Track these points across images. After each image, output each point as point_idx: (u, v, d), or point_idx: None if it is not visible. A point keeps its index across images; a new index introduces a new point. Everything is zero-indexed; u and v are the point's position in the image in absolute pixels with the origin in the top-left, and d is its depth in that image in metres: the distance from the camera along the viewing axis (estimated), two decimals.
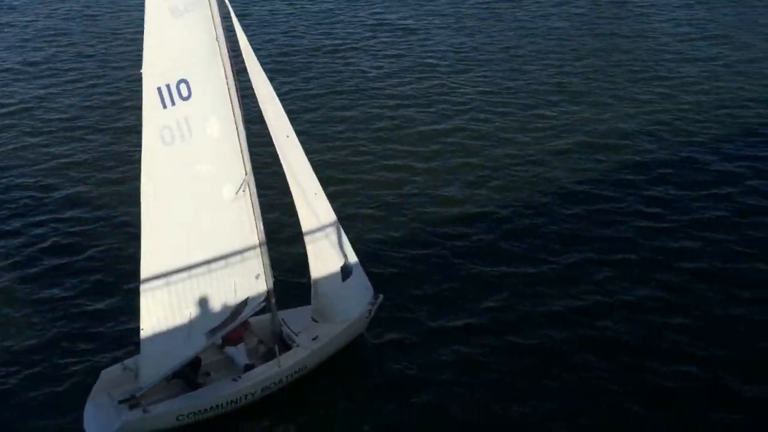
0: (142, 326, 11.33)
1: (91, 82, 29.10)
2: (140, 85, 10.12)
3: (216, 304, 12.15)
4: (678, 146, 21.71)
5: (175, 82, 10.29)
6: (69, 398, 13.12)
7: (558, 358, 13.83)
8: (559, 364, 13.69)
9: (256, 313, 13.47)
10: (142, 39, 9.89)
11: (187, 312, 11.72)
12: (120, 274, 16.60)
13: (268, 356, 13.49)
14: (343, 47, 31.82)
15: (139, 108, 10.39)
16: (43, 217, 19.48)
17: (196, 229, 11.42)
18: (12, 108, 26.74)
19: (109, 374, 12.72)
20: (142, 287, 11.13)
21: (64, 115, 25.94)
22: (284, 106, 12.11)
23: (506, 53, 30.24)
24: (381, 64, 29.53)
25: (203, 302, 11.93)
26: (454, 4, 37.34)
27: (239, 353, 13.34)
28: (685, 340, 14.10)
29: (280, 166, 12.37)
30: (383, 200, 19.51)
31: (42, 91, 28.05)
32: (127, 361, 12.95)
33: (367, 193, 19.75)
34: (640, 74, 27.31)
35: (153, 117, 10.24)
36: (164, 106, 10.27)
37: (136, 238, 16.96)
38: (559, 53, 29.85)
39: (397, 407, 12.95)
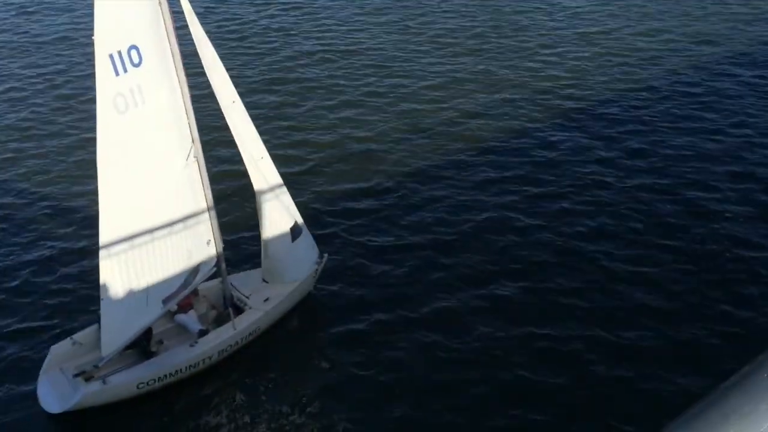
0: (101, 295, 11.28)
1: (39, 56, 27.42)
2: (88, 56, 9.91)
3: (171, 271, 12.23)
4: (563, 114, 22.81)
5: (126, 49, 10.18)
6: (20, 374, 12.86)
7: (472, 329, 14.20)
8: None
9: (206, 280, 13.61)
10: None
11: (144, 279, 11.75)
12: (62, 251, 16.25)
13: (219, 321, 13.73)
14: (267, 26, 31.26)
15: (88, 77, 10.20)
16: None
17: (151, 197, 11.41)
18: None
19: (58, 349, 12.57)
20: (101, 254, 11.07)
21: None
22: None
23: (405, 33, 30.12)
24: (299, 39, 29.37)
25: (159, 269, 11.97)
26: None
27: (191, 320, 13.48)
28: (578, 302, 14.83)
29: (229, 132, 12.50)
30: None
31: None
32: (76, 336, 12.83)
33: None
34: (529, 49, 27.99)
35: (106, 85, 10.11)
36: (117, 74, 10.15)
37: (78, 211, 16.82)
38: (453, 31, 30.09)
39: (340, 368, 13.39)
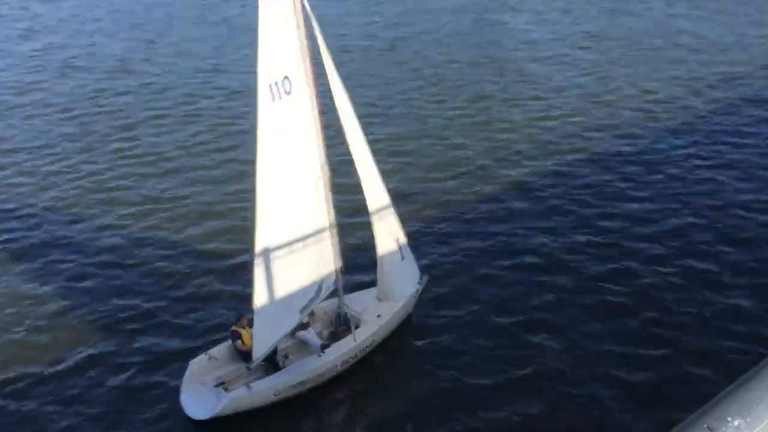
0: (254, 301, 12.35)
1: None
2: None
3: (304, 282, 13.34)
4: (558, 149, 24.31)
5: (282, 79, 11.62)
6: (160, 388, 13.88)
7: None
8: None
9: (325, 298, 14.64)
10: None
11: (287, 288, 12.85)
12: (194, 272, 17.78)
13: (333, 338, 14.70)
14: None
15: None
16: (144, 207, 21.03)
17: (292, 212, 12.65)
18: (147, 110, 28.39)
19: (196, 364, 13.56)
20: (255, 262, 12.24)
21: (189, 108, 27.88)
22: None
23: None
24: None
25: (297, 280, 13.10)
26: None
27: (312, 335, 14.46)
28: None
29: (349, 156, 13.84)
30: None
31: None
32: (212, 351, 13.87)
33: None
34: (523, 86, 30.04)
35: (266, 111, 11.51)
36: (273, 99, 11.56)
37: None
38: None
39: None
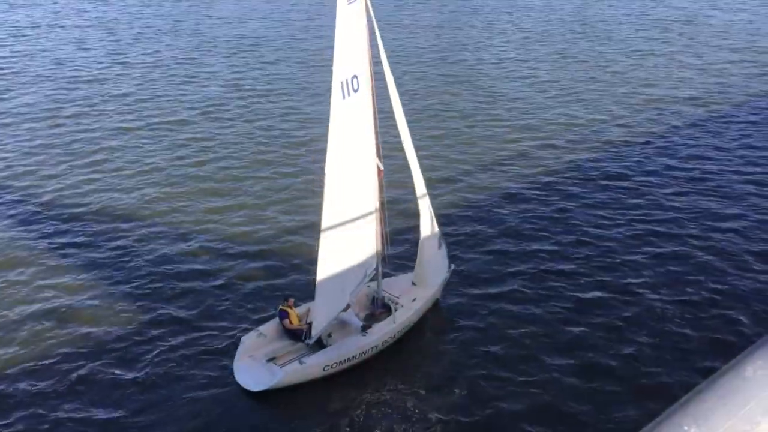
0: (317, 282, 13.27)
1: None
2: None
3: (356, 267, 14.29)
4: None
5: (351, 77, 12.51)
6: (215, 357, 14.77)
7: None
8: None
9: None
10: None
11: (342, 272, 13.79)
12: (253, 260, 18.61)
13: (369, 320, 15.70)
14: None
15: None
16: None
17: (352, 203, 13.60)
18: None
19: (248, 339, 14.46)
20: (320, 244, 13.22)
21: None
22: None
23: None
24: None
25: (350, 265, 14.04)
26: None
27: (352, 316, 15.44)
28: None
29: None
30: None
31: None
32: (261, 328, 14.77)
33: None
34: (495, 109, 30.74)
35: (337, 107, 12.39)
36: (343, 97, 12.45)
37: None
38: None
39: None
